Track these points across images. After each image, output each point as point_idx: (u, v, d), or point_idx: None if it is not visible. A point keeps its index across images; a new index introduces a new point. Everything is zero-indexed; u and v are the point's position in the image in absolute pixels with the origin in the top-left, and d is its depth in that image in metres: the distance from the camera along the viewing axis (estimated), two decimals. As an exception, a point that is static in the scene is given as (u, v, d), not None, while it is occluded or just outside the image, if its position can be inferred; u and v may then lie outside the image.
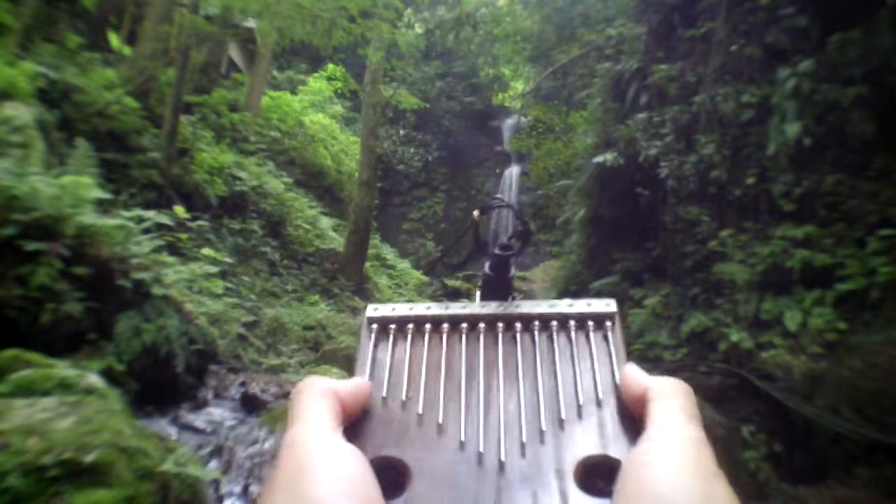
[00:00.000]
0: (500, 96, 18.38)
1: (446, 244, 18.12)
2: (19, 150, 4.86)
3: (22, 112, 5.28)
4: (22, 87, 5.63)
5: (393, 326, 0.46)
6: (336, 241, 11.32)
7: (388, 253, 14.98)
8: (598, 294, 7.69)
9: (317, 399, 0.37)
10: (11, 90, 5.49)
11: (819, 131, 5.54)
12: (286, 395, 4.98)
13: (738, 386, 5.22)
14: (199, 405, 4.64)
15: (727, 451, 3.97)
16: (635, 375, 0.39)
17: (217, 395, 4.98)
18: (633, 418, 0.37)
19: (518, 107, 16.90)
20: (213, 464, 3.61)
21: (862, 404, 4.29)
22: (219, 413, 4.60)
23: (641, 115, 7.51)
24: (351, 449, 0.34)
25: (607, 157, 7.50)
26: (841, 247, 5.24)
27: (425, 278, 14.05)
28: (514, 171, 19.41)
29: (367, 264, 11.42)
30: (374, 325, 0.46)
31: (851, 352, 4.62)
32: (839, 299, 5.02)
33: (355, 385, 0.40)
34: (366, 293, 10.68)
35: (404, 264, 14.72)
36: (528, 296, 12.12)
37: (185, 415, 4.37)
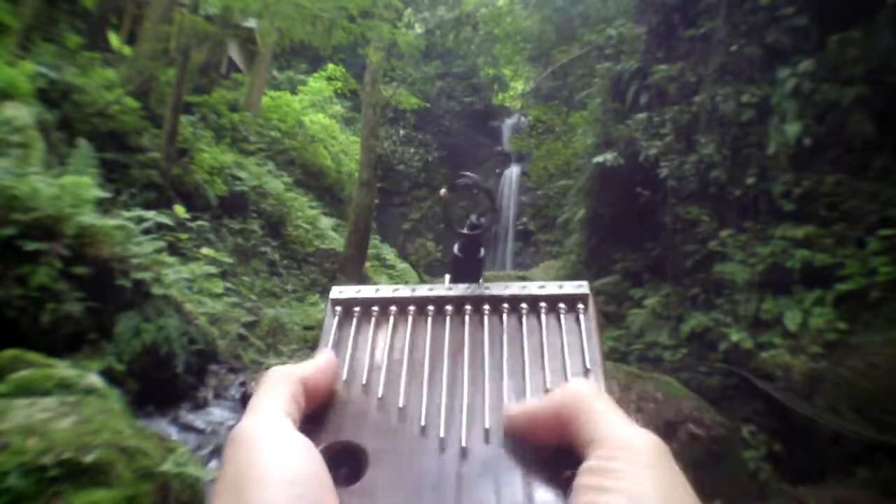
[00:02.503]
0: (500, 96, 18.37)
1: (446, 244, 18.08)
2: (19, 150, 4.86)
3: (22, 112, 5.28)
4: (22, 87, 5.63)
5: (357, 309, 0.44)
6: (336, 241, 11.31)
7: (388, 253, 14.97)
8: (598, 294, 7.69)
9: (276, 386, 0.34)
10: (11, 90, 5.49)
11: (819, 131, 5.54)
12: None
13: (738, 386, 5.22)
14: (199, 405, 4.64)
15: (727, 451, 3.97)
16: (530, 406, 0.35)
17: (217, 395, 4.98)
18: (555, 446, 0.33)
19: (518, 107, 16.90)
20: (213, 464, 3.61)
21: (862, 404, 4.29)
22: (219, 413, 4.60)
23: (641, 115, 7.51)
24: (303, 443, 0.30)
25: (607, 157, 7.50)
26: (841, 247, 5.23)
27: (425, 278, 14.03)
28: (514, 171, 19.40)
29: (367, 264, 11.41)
30: (338, 308, 0.45)
31: (851, 352, 4.62)
32: (839, 299, 5.02)
33: (320, 363, 0.38)
34: (366, 293, 10.66)
35: (404, 264, 14.71)
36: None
37: (185, 415, 4.36)
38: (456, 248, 0.50)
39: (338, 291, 0.46)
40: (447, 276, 0.49)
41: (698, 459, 3.75)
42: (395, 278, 13.28)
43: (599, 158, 7.62)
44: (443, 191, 0.50)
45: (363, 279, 10.85)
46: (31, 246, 3.62)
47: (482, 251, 0.50)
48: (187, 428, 4.15)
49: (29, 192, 3.83)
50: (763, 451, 4.56)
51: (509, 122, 20.66)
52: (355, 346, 0.42)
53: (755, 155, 6.16)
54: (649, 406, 3.88)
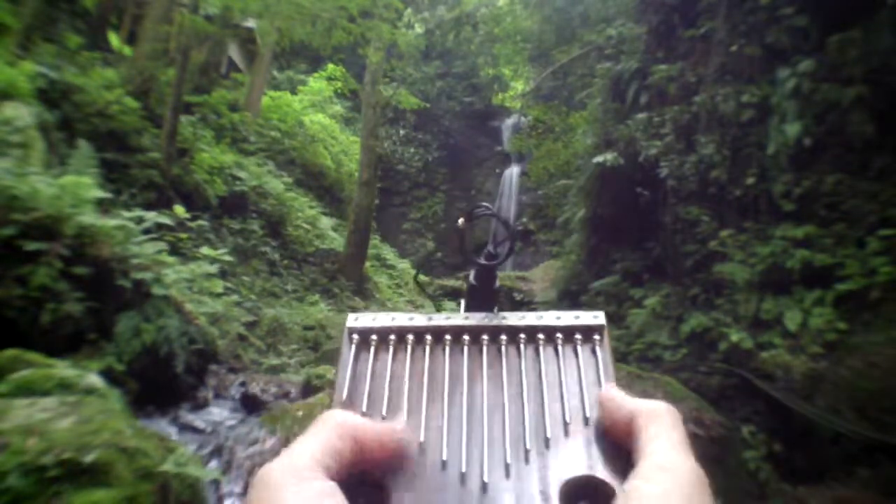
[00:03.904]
0: (500, 96, 18.37)
1: (446, 244, 18.11)
2: (19, 150, 4.86)
3: (22, 112, 5.28)
4: (22, 87, 5.63)
5: (374, 338, 0.44)
6: (336, 241, 11.32)
7: (388, 253, 14.97)
8: (598, 294, 7.69)
9: (320, 431, 0.33)
10: (11, 90, 5.48)
11: (819, 131, 5.54)
12: (286, 395, 4.98)
13: (738, 386, 5.22)
14: (199, 405, 4.63)
15: (727, 451, 3.97)
16: (618, 399, 0.37)
17: (217, 395, 4.98)
18: (618, 443, 0.36)
19: (518, 107, 16.90)
20: (213, 464, 3.61)
21: (862, 404, 4.29)
22: (219, 413, 4.59)
23: (641, 115, 7.51)
24: (323, 492, 0.30)
25: (607, 157, 7.50)
26: (841, 247, 5.24)
27: (425, 278, 14.03)
28: (514, 171, 19.40)
29: (367, 264, 11.42)
30: (356, 336, 0.44)
31: (851, 352, 4.62)
32: (839, 299, 5.02)
33: (384, 427, 0.36)
34: (366, 293, 10.68)
35: (404, 264, 14.71)
36: (529, 295, 12.10)
37: (185, 415, 4.36)
38: (472, 276, 0.50)
39: (354, 319, 0.45)
40: (462, 305, 0.49)
41: (698, 460, 3.74)
42: (395, 278, 13.29)
43: (599, 158, 7.63)
44: (460, 220, 0.50)
45: (363, 279, 10.85)
46: (31, 246, 3.62)
47: (498, 281, 0.50)
48: (187, 428, 4.15)
49: (29, 192, 3.83)
50: (763, 451, 4.57)
51: (509, 122, 20.66)
52: (373, 376, 0.42)
53: (755, 155, 6.16)
54: (649, 406, 3.87)
